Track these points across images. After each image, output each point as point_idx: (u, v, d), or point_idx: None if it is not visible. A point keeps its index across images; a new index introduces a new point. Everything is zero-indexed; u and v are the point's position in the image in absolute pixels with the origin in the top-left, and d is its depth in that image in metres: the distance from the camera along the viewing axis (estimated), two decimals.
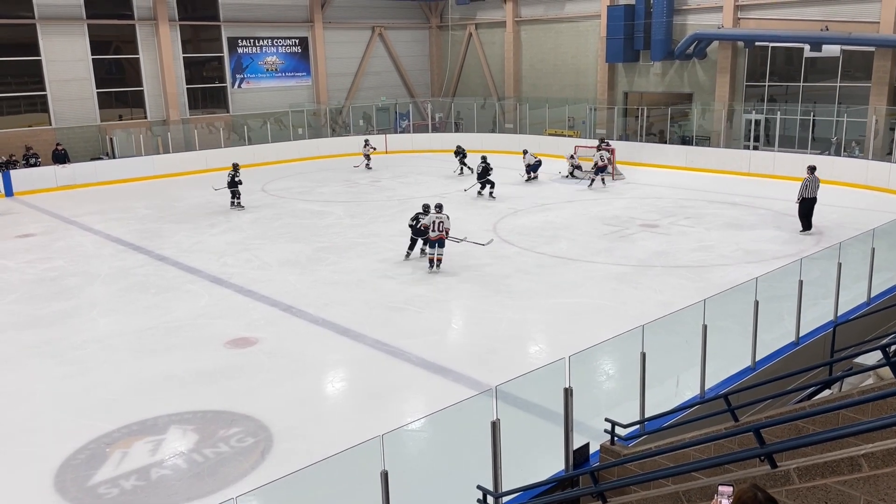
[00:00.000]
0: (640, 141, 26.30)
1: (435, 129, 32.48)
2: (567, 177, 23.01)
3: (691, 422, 6.05)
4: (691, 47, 25.54)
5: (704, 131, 25.88)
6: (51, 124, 25.35)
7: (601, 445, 6.10)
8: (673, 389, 7.53)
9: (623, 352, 7.40)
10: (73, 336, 10.86)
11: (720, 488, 3.05)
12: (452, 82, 34.93)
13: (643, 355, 6.46)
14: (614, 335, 6.91)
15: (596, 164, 21.54)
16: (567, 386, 5.68)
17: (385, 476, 4.63)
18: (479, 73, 33.83)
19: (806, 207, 15.46)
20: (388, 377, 9.25)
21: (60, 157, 24.02)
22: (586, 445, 6.04)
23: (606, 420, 6.08)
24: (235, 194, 19.52)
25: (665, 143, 25.86)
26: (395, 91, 34.28)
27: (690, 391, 7.33)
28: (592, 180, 21.55)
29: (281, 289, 12.70)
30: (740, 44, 24.84)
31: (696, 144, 25.22)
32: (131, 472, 7.04)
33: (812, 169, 15.58)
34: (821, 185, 15.68)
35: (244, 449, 7.44)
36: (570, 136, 28.19)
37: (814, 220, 15.60)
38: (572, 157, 23.35)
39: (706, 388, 7.28)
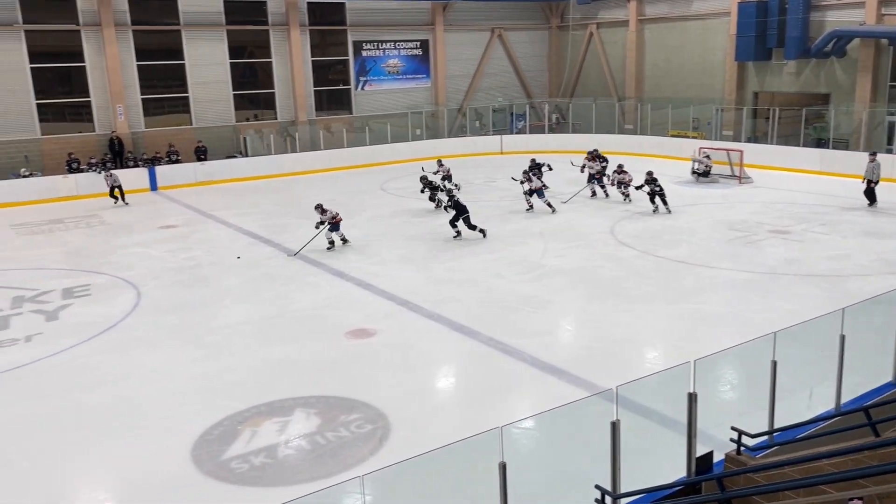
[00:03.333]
0: (771, 143, 25.06)
1: (551, 130, 32.27)
2: (696, 178, 22.23)
3: (825, 435, 5.73)
4: (829, 45, 24.04)
5: (842, 134, 24.31)
6: (191, 124, 27.12)
7: (726, 455, 5.89)
8: (804, 402, 7.15)
9: (750, 361, 7.10)
10: (208, 322, 11.59)
11: (852, 502, 2.90)
12: (571, 83, 34.57)
13: (774, 364, 6.18)
14: (740, 343, 6.64)
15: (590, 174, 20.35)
16: (691, 391, 5.52)
17: (503, 468, 4.68)
18: (599, 73, 33.28)
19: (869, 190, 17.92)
20: (502, 374, 9.30)
21: (201, 155, 25.70)
22: (710, 454, 5.84)
23: (733, 429, 5.86)
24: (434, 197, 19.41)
25: (798, 146, 24.50)
26: (512, 92, 34.30)
27: (824, 405, 6.93)
28: (593, 192, 20.32)
29: (398, 284, 13.03)
30: (884, 41, 23.16)
31: (833, 147, 23.74)
32: (260, 450, 7.46)
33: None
34: None
35: (363, 435, 7.71)
36: (694, 137, 27.24)
37: None
38: (707, 156, 22.44)
39: (842, 402, 6.86)
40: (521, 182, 18.88)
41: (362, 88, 31.05)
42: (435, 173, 20.72)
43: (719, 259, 13.96)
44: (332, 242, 15.61)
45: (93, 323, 11.52)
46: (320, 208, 15.57)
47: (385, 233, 17.13)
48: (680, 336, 10.40)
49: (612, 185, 19.67)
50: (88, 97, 25.22)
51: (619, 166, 19.48)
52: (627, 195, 19.11)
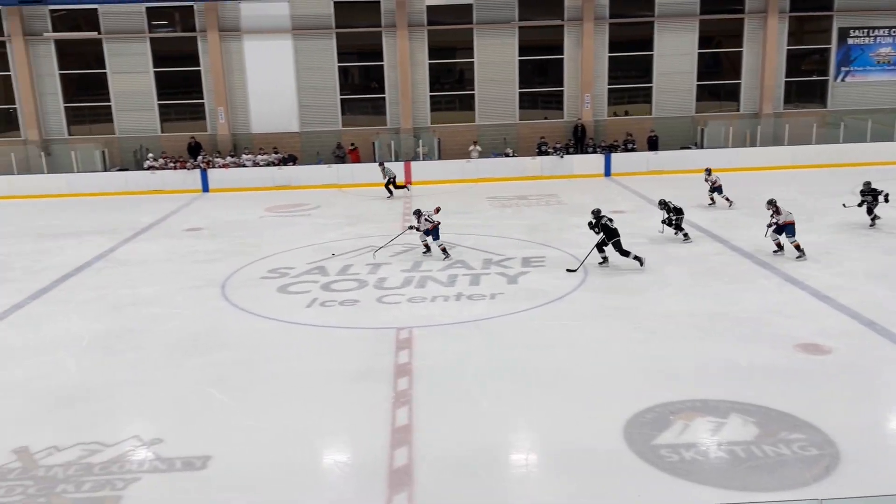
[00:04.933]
0: None
1: None
2: None
3: None
4: None
5: None
6: (650, 114, 27.65)
7: None
8: None
9: None
10: (648, 307, 11.79)
11: None
12: None
13: None
14: None
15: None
16: None
17: None
18: None
19: None
20: None
21: (653, 144, 26.12)
22: None
23: None
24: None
25: None
26: None
27: None
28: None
29: (863, 300, 11.44)
30: None
31: None
32: (690, 445, 7.35)
33: None
34: None
35: (807, 458, 7.01)
36: None
37: None
38: None
39: None
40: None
41: (843, 80, 27.79)
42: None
43: None
44: (427, 248, 15.20)
45: (544, 291, 12.66)
46: (417, 213, 15.07)
47: (850, 241, 15.18)
48: None
49: None
50: (561, 87, 27.52)
51: None
52: None
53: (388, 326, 11.15)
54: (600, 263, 13.91)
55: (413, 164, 25.53)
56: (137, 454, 7.51)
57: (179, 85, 27.20)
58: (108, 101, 26.75)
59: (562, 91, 27.57)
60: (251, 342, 10.85)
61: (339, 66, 27.03)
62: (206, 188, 25.05)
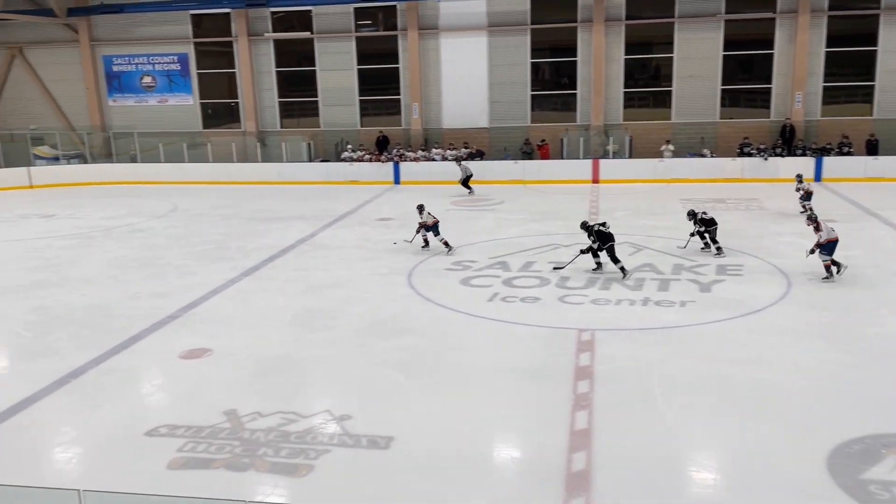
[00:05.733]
0: None
1: None
2: None
3: None
4: None
5: None
6: (871, 115, 24.96)
7: None
8: None
9: None
10: (859, 326, 10.67)
11: None
12: None
13: None
14: None
15: None
16: None
17: None
18: None
19: None
20: None
21: (872, 148, 23.58)
22: None
23: None
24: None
25: None
26: None
27: None
28: None
29: None
30: None
31: None
32: None
33: None
34: None
35: None
36: None
37: None
38: None
39: None
40: None
41: None
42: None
43: None
44: (426, 242, 15.79)
45: (741, 302, 11.84)
46: (420, 208, 15.75)
47: None
48: None
49: None
50: (769, 84, 25.60)
51: None
52: None
53: (569, 327, 10.98)
54: (594, 270, 13.68)
55: (601, 161, 24.98)
56: (328, 428, 7.98)
57: (379, 81, 28.59)
58: (316, 96, 28.71)
59: (769, 88, 25.63)
60: (434, 331, 11.16)
61: (532, 62, 27.03)
62: (397, 180, 26.16)
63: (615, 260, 13.39)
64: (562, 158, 26.09)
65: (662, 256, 14.75)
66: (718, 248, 14.72)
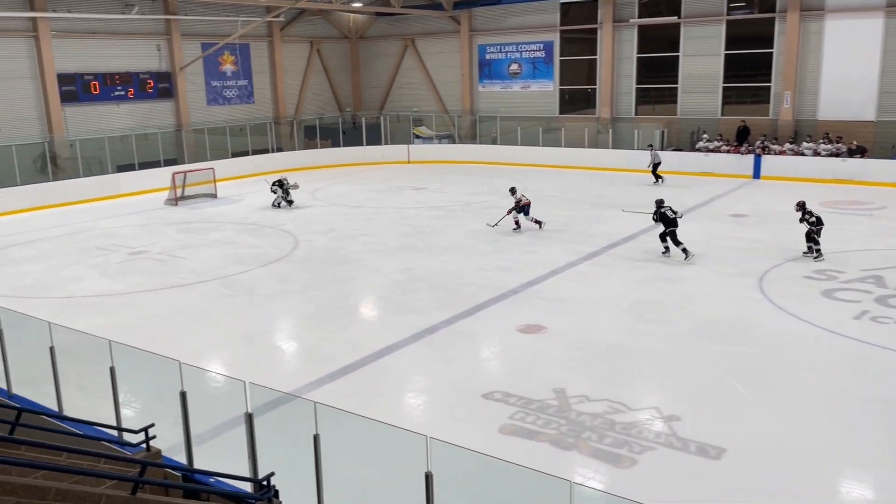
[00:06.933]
0: None
1: None
2: None
3: None
4: None
5: None
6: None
7: None
8: None
9: None
10: None
11: None
12: None
13: None
14: None
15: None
16: None
17: None
18: None
19: None
20: None
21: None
22: None
23: None
24: None
25: None
26: None
27: None
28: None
29: None
30: None
31: None
32: None
33: None
34: None
35: None
36: None
37: None
38: None
39: None
40: None
41: None
42: None
43: None
44: (517, 224, 16.59)
45: None
46: (513, 190, 16.86)
47: None
48: None
49: None
50: None
51: None
52: None
53: None
54: (663, 253, 14.48)
55: None
56: (655, 425, 7.78)
57: (746, 67, 26.57)
58: (675, 83, 27.76)
59: None
60: (781, 342, 10.14)
61: None
62: (756, 174, 24.17)
63: (677, 243, 14.19)
64: None
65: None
66: (818, 251, 14.00)
